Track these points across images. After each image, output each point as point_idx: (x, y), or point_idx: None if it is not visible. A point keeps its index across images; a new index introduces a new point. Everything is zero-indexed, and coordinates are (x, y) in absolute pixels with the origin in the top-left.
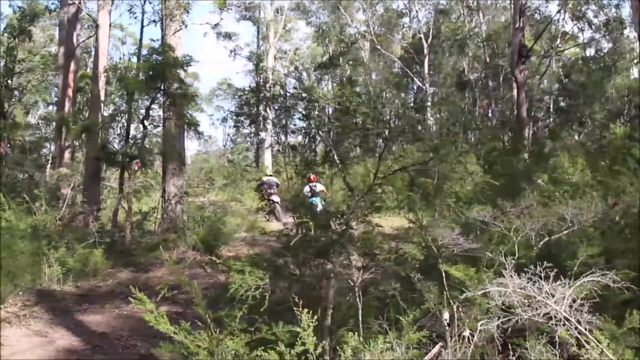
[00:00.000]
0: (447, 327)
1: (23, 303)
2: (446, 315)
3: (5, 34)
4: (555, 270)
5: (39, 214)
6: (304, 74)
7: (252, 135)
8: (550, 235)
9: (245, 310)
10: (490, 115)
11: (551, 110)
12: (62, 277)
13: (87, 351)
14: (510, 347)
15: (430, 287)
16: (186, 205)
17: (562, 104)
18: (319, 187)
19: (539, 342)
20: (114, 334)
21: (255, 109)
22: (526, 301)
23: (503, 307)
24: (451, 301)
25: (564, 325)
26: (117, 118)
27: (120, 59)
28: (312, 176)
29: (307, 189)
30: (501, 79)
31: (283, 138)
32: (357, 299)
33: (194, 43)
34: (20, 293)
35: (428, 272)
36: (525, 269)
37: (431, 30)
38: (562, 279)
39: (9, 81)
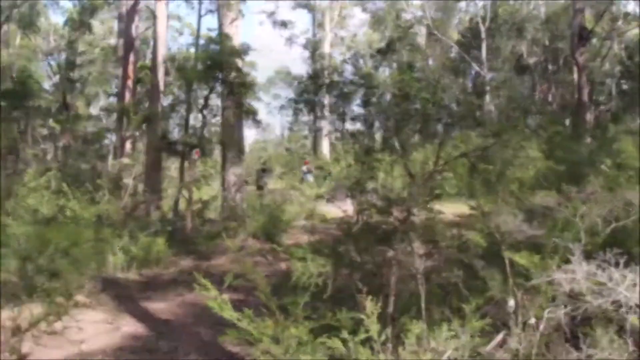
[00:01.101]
0: (511, 315)
1: (89, 290)
2: (511, 303)
3: (67, 28)
4: (624, 256)
5: (102, 204)
6: (361, 60)
7: (310, 122)
8: (617, 221)
9: (308, 298)
10: (550, 99)
11: (613, 93)
12: (126, 265)
13: (151, 338)
14: (576, 335)
15: (493, 275)
16: (245, 194)
17: (624, 86)
18: (311, 167)
19: (607, 331)
20: (177, 321)
21: (314, 97)
22: (595, 288)
23: (570, 294)
24: (515, 289)
25: (635, 312)
26: (176, 108)
27: (178, 49)
28: (306, 161)
29: (304, 168)
30: (561, 62)
31: (341, 125)
32: (420, 287)
33: (250, 32)
34: (87, 281)
35: (491, 259)
36: (593, 256)
37: (488, 13)
38: (633, 265)
39: (71, 74)
